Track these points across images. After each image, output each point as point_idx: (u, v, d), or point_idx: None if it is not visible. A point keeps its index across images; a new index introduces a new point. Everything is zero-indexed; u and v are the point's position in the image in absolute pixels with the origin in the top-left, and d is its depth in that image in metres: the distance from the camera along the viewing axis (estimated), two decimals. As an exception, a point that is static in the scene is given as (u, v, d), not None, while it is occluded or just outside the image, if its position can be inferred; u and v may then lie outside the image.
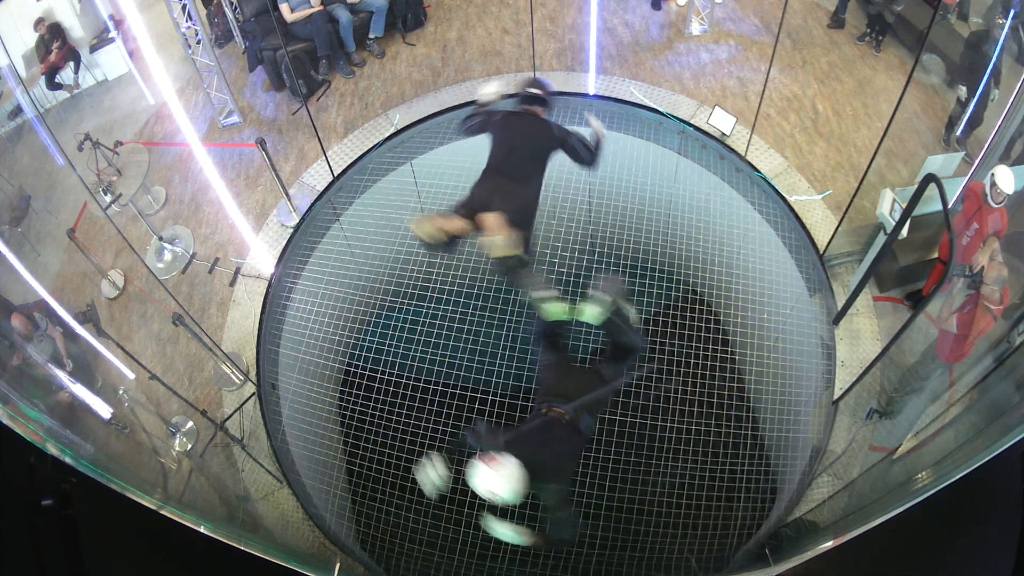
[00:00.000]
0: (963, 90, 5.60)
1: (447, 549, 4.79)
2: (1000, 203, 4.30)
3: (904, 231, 4.36)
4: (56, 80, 6.77)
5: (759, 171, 5.71)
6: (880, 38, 6.38)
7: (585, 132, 3.97)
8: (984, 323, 4.14)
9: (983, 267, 4.13)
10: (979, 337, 4.19)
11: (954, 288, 4.43)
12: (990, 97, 5.41)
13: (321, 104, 6.61)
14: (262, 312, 5.37)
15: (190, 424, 5.05)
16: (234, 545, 2.35)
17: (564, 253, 5.34)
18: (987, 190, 4.34)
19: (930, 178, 3.91)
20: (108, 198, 5.97)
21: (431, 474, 3.33)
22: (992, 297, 4.05)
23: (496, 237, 3.40)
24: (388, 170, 6.06)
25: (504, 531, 3.23)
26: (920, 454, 3.66)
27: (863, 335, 5.01)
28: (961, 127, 5.64)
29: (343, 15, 6.56)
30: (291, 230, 5.73)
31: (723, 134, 5.85)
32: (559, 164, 5.85)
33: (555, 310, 3.36)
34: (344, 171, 6.01)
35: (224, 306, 5.50)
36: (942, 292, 4.33)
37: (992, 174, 4.29)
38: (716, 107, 5.89)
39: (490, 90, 4.00)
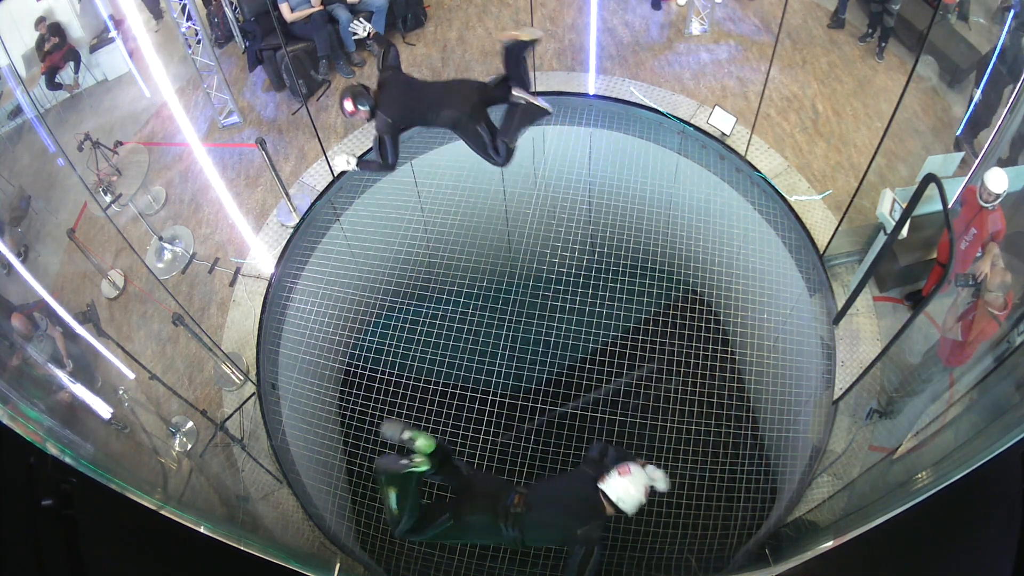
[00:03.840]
0: (978, 92, 5.57)
1: (447, 549, 4.79)
2: (990, 203, 4.30)
3: (904, 231, 4.36)
4: (56, 80, 6.77)
5: (759, 171, 5.71)
6: (883, 44, 6.38)
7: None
8: (987, 328, 4.12)
9: (986, 275, 4.11)
10: (981, 342, 4.18)
11: (958, 296, 4.42)
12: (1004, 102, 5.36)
13: (321, 104, 6.61)
14: (262, 312, 5.37)
15: (190, 424, 5.05)
16: (234, 545, 2.35)
17: (564, 253, 5.34)
18: (980, 192, 4.34)
19: (930, 178, 3.91)
20: (108, 198, 5.97)
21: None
22: (996, 303, 4.04)
23: None
24: (388, 170, 6.05)
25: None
26: (920, 454, 3.66)
27: (863, 335, 5.01)
28: (962, 127, 5.64)
29: (343, 15, 6.56)
30: (291, 230, 5.73)
31: (723, 134, 5.85)
32: (558, 165, 5.86)
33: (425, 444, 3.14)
34: (344, 171, 6.01)
35: (224, 306, 5.50)
36: (941, 293, 4.33)
37: (984, 176, 4.29)
38: (716, 107, 5.89)
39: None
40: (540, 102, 3.67)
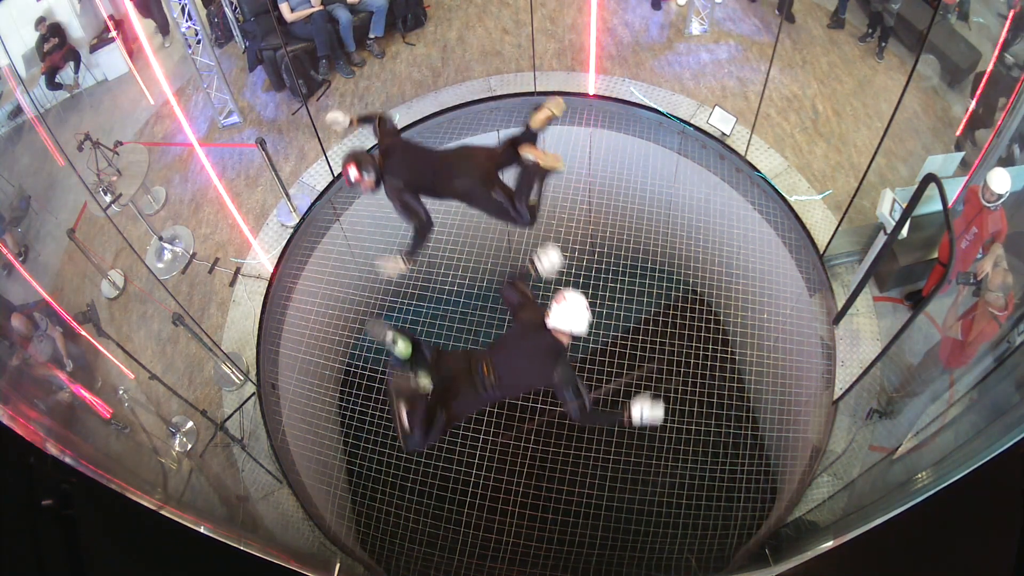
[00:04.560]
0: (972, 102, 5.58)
1: (447, 549, 4.80)
2: (991, 202, 4.30)
3: (904, 231, 4.36)
4: (56, 80, 6.77)
5: (759, 171, 5.71)
6: (883, 44, 6.39)
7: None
8: (987, 328, 4.11)
9: (988, 274, 4.11)
10: (982, 343, 4.17)
11: (959, 295, 4.41)
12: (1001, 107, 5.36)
13: (321, 104, 6.61)
14: (262, 312, 5.37)
15: (190, 424, 5.05)
16: (234, 545, 2.35)
17: (564, 253, 5.32)
18: (982, 192, 4.34)
19: (930, 178, 3.91)
20: (108, 198, 5.97)
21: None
22: (997, 303, 4.03)
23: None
24: (388, 170, 6.06)
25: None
26: (920, 454, 3.66)
27: (863, 335, 5.01)
28: (960, 128, 5.65)
29: (343, 15, 6.56)
30: (291, 230, 5.74)
31: (723, 134, 5.85)
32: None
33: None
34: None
35: (224, 306, 5.50)
36: (941, 293, 4.33)
37: (987, 176, 4.30)
38: (716, 107, 5.89)
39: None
40: (552, 161, 3.52)
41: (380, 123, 3.78)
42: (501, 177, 3.66)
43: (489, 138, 6.25)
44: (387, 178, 3.61)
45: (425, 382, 3.19)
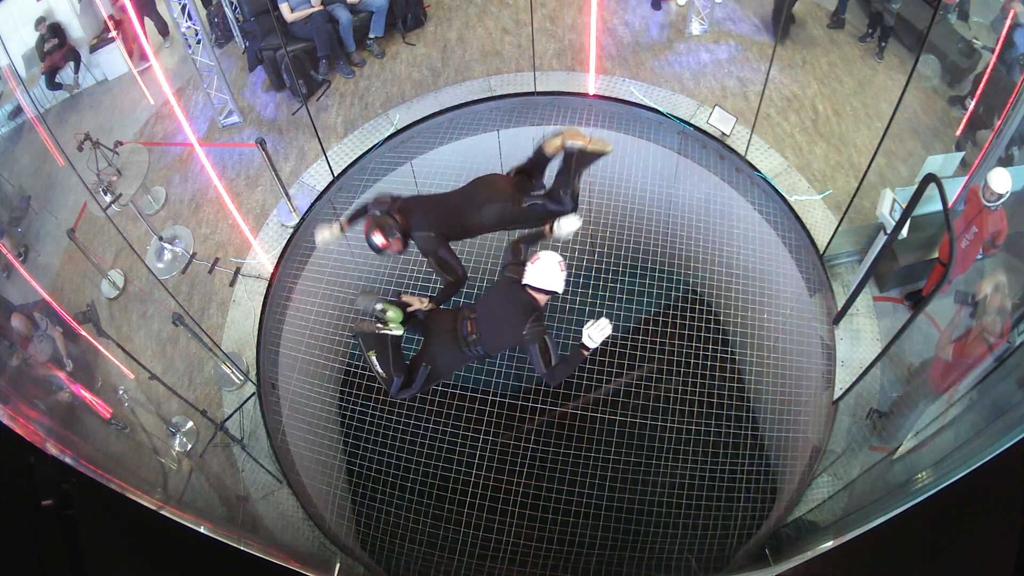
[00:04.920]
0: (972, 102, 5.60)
1: (447, 549, 4.79)
2: (991, 202, 4.30)
3: (904, 231, 4.36)
4: (56, 80, 6.77)
5: (759, 171, 5.71)
6: (883, 44, 6.39)
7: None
8: (975, 349, 4.07)
9: (987, 296, 4.08)
10: (971, 367, 4.12)
11: (956, 317, 4.38)
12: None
13: (321, 104, 6.61)
14: (262, 312, 5.37)
15: (190, 424, 5.05)
16: (234, 545, 2.35)
17: (564, 253, 5.31)
18: (982, 192, 4.34)
19: (930, 178, 3.91)
20: (108, 198, 5.96)
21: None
22: (994, 328, 4.01)
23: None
24: (388, 170, 6.06)
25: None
26: (920, 454, 3.66)
27: (863, 335, 5.01)
28: (960, 128, 5.66)
29: (343, 15, 6.56)
30: (291, 230, 5.74)
31: (723, 134, 5.85)
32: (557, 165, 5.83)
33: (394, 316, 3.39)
34: (344, 171, 6.01)
35: (224, 306, 5.50)
36: (941, 293, 4.33)
37: (987, 176, 4.30)
38: (716, 107, 5.89)
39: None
40: (599, 145, 3.43)
41: (377, 202, 3.61)
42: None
43: (489, 138, 6.25)
44: (416, 235, 3.47)
45: (394, 328, 3.32)
